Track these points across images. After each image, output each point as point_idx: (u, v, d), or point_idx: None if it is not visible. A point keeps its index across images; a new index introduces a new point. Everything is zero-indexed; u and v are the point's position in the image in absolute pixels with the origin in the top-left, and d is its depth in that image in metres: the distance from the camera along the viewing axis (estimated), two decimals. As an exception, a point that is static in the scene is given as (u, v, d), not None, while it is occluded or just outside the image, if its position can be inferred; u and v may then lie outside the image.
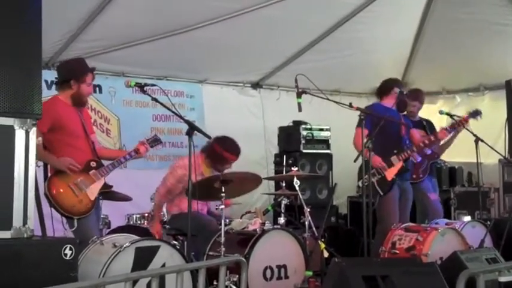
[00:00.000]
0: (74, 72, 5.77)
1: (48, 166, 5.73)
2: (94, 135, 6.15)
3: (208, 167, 6.95)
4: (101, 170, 5.76)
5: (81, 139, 5.79)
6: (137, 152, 6.04)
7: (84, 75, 5.76)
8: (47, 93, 7.73)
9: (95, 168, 5.74)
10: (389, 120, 6.68)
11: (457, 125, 7.24)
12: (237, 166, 9.06)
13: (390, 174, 6.89)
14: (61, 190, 5.53)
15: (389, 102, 7.15)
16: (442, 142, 7.73)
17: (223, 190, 5.91)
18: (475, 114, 7.46)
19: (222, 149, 6.84)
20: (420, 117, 8.11)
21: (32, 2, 4.03)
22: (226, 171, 6.92)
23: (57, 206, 5.47)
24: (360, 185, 6.81)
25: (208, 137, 6.61)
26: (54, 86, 8.00)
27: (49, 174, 5.68)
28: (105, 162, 5.87)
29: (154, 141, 6.23)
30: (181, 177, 6.60)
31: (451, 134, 7.54)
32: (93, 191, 5.67)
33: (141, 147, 6.07)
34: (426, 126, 8.04)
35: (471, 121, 7.39)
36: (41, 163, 7.54)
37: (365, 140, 6.10)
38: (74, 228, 5.48)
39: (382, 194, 6.75)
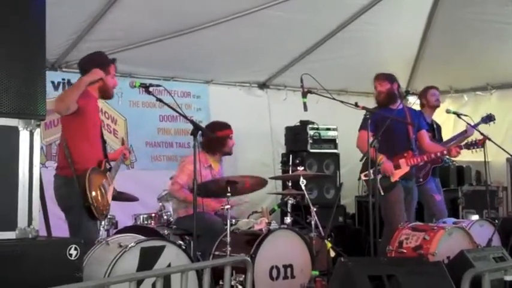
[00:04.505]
0: (98, 62, 5.63)
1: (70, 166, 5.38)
2: None
3: (214, 159, 6.99)
4: (111, 172, 5.69)
5: (98, 137, 5.65)
6: (125, 156, 6.06)
7: (109, 67, 5.66)
8: (54, 95, 7.78)
9: (109, 170, 5.65)
10: (395, 120, 6.65)
11: (472, 147, 7.03)
12: (244, 166, 9.12)
13: (395, 176, 6.84)
14: (96, 192, 5.29)
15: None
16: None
17: (228, 190, 5.93)
18: (488, 119, 7.38)
19: (213, 132, 6.83)
20: (433, 119, 8.11)
21: (36, 2, 4.04)
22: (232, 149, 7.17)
23: (94, 208, 5.23)
24: (363, 177, 6.79)
25: (213, 136, 6.66)
26: (61, 87, 8.06)
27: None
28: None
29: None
30: (192, 172, 6.59)
31: (459, 139, 7.56)
32: (110, 194, 5.54)
33: (126, 152, 6.14)
34: (436, 130, 8.01)
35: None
36: (49, 163, 7.72)
37: (371, 140, 6.08)
38: (99, 232, 5.35)
39: (382, 193, 6.66)
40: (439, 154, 6.97)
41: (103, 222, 6.04)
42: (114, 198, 6.05)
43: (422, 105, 8.12)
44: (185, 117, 5.63)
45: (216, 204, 6.75)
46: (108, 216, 6.10)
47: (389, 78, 7.11)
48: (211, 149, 6.93)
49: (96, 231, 5.46)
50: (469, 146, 7.01)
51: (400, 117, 6.86)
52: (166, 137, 8.96)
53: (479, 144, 7.00)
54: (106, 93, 5.76)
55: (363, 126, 6.98)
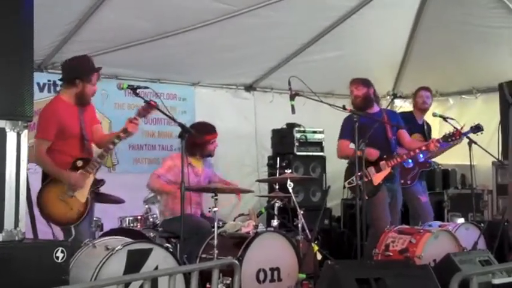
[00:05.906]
0: (80, 71, 5.63)
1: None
2: (98, 125, 5.99)
3: (194, 158, 6.94)
4: (88, 167, 5.53)
5: (73, 139, 5.63)
6: (125, 131, 5.60)
7: (90, 75, 5.64)
8: (39, 96, 7.74)
9: (82, 167, 5.52)
10: (381, 122, 6.69)
11: (450, 140, 6.99)
12: (229, 168, 9.10)
13: (377, 179, 6.85)
14: (50, 204, 5.40)
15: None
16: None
17: (216, 196, 5.91)
18: (477, 129, 7.38)
19: (200, 134, 6.77)
20: (424, 120, 8.13)
21: (24, 3, 4.02)
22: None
23: (50, 220, 5.39)
24: (347, 185, 6.83)
25: (201, 138, 6.63)
26: (46, 89, 8.02)
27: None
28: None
29: (146, 110, 5.61)
30: (171, 167, 6.66)
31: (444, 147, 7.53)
32: (83, 192, 5.49)
33: (129, 125, 5.59)
34: (426, 131, 8.03)
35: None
36: (31, 165, 7.64)
37: (357, 145, 6.08)
38: (71, 237, 5.24)
39: (366, 197, 6.62)
40: (417, 151, 6.97)
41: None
42: (101, 200, 5.99)
43: (413, 106, 8.22)
44: (173, 119, 5.61)
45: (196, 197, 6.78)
46: (94, 219, 6.06)
47: (365, 82, 7.16)
48: (190, 151, 6.81)
49: (85, 232, 5.47)
50: (446, 138, 6.98)
51: (378, 117, 6.89)
52: (149, 140, 8.90)
53: (457, 135, 6.95)
54: (82, 100, 5.71)
55: (342, 136, 7.02)
